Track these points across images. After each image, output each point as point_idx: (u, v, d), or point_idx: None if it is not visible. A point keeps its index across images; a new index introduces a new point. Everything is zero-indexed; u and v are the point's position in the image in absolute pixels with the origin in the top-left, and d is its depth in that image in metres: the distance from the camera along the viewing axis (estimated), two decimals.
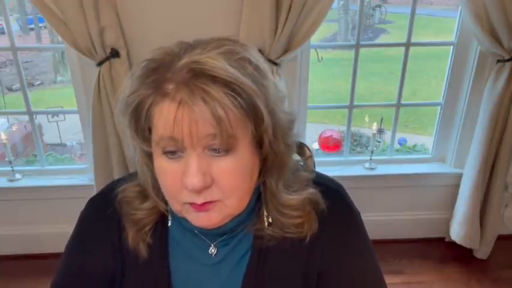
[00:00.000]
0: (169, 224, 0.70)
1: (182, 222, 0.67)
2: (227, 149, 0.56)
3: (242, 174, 0.59)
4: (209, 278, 0.69)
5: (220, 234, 0.67)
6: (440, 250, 2.17)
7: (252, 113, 0.55)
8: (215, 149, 0.56)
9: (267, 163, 0.62)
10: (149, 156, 0.62)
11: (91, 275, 0.70)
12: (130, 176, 0.71)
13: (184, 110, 0.53)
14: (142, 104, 0.57)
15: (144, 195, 0.68)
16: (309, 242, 0.67)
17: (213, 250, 0.69)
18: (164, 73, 0.55)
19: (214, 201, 0.59)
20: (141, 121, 0.58)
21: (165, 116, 0.55)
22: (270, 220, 0.66)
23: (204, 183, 0.55)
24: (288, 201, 0.65)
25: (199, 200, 0.57)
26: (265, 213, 0.67)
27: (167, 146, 0.56)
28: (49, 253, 2.06)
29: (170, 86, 0.54)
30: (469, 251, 2.08)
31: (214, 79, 0.53)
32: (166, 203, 0.66)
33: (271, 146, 0.60)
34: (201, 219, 0.60)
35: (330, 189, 0.70)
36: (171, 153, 0.57)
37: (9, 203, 2.05)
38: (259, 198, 0.67)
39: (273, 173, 0.63)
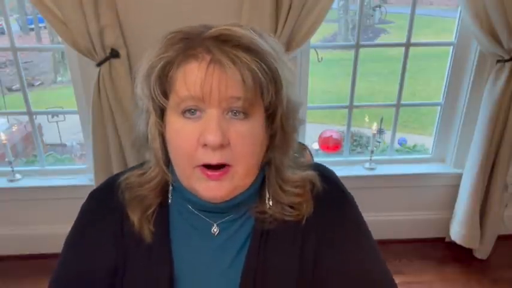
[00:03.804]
0: (170, 201, 0.71)
1: (186, 196, 0.67)
2: (246, 113, 0.59)
3: (254, 141, 0.62)
4: (211, 262, 0.69)
5: (223, 211, 0.68)
6: (440, 250, 2.17)
7: (274, 79, 0.60)
8: (234, 112, 0.59)
9: (274, 140, 0.65)
10: (161, 125, 0.64)
11: (93, 267, 0.70)
12: (134, 167, 0.73)
13: (215, 69, 0.57)
14: (168, 66, 0.59)
15: (147, 180, 0.69)
16: (304, 224, 0.69)
17: (215, 230, 0.69)
18: (192, 40, 0.59)
19: (227, 167, 0.60)
20: (162, 83, 0.60)
21: (192, 76, 0.57)
22: (271, 203, 0.68)
23: (222, 140, 0.58)
24: (290, 177, 0.69)
25: (215, 159, 0.59)
26: (267, 195, 0.69)
27: (187, 106, 0.59)
28: (49, 253, 2.05)
29: (198, 49, 0.58)
30: (469, 251, 2.08)
31: (242, 46, 0.57)
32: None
33: (282, 121, 0.64)
34: (212, 188, 0.61)
35: (323, 175, 0.72)
36: (190, 113, 0.59)
37: (9, 203, 2.05)
38: (263, 182, 0.69)
39: (279, 150, 0.66)
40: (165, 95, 0.61)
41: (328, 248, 0.69)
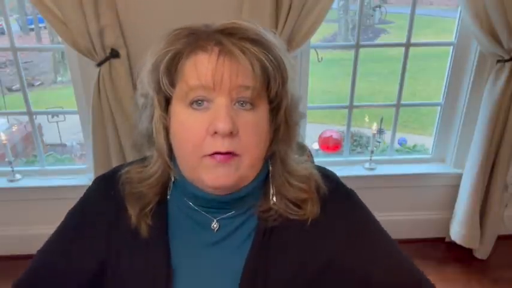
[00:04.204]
0: (169, 197, 0.71)
1: (189, 190, 0.67)
2: (252, 104, 0.61)
3: (259, 132, 0.63)
4: (210, 259, 0.69)
5: (225, 207, 0.68)
6: (441, 250, 2.17)
7: (280, 70, 0.62)
8: (241, 103, 0.61)
9: (278, 134, 0.66)
10: (165, 119, 0.65)
11: (78, 258, 0.71)
12: (136, 161, 0.73)
13: (226, 59, 0.58)
14: (177, 57, 0.60)
15: (147, 176, 0.70)
16: (312, 225, 0.68)
17: (215, 225, 0.69)
18: (199, 34, 0.61)
19: (235, 155, 0.61)
20: (170, 74, 0.61)
21: (203, 67, 0.59)
22: (275, 199, 0.68)
23: (232, 127, 0.58)
24: (295, 170, 0.69)
25: (224, 147, 0.59)
26: (271, 191, 0.69)
27: (196, 96, 0.60)
28: None
29: (206, 42, 0.60)
30: (469, 251, 2.08)
31: (248, 38, 0.59)
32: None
33: (286, 115, 0.65)
34: (219, 177, 0.61)
35: (326, 175, 0.72)
36: (197, 104, 0.60)
37: (9, 203, 2.05)
38: (267, 178, 0.69)
39: (283, 143, 0.67)
40: (173, 86, 0.62)
41: (344, 247, 0.69)
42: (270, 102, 0.64)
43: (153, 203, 0.70)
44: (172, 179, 0.70)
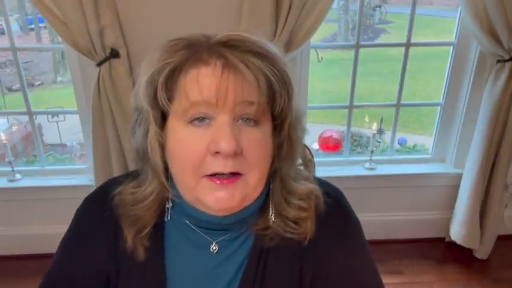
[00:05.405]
0: (166, 219, 0.67)
1: (187, 212, 0.64)
2: (256, 120, 0.58)
3: (265, 149, 0.60)
4: (208, 281, 0.67)
5: (225, 228, 0.65)
6: (441, 250, 2.17)
7: (286, 85, 0.59)
8: (245, 119, 0.57)
9: (281, 151, 0.63)
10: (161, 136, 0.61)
11: (87, 273, 0.69)
12: (126, 177, 0.69)
13: (230, 73, 0.55)
14: (177, 70, 0.57)
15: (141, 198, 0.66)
16: (304, 245, 0.66)
17: (214, 248, 0.67)
18: (198, 46, 0.57)
19: (239, 176, 0.57)
20: (169, 89, 0.57)
21: (206, 81, 0.55)
22: (273, 218, 0.65)
23: (236, 147, 0.55)
24: (295, 189, 0.66)
25: (227, 168, 0.56)
26: (270, 211, 0.65)
27: (197, 113, 0.56)
28: (49, 253, 2.05)
29: (207, 55, 0.56)
30: (469, 251, 2.08)
31: (252, 51, 0.56)
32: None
33: (289, 131, 0.62)
34: (222, 198, 0.57)
35: (329, 194, 0.69)
36: (198, 120, 0.56)
37: (9, 203, 2.05)
38: (266, 197, 0.66)
39: (285, 161, 0.64)
40: (170, 101, 0.58)
41: (325, 269, 0.67)
42: (274, 118, 0.61)
43: (150, 226, 0.66)
44: (170, 201, 0.66)
